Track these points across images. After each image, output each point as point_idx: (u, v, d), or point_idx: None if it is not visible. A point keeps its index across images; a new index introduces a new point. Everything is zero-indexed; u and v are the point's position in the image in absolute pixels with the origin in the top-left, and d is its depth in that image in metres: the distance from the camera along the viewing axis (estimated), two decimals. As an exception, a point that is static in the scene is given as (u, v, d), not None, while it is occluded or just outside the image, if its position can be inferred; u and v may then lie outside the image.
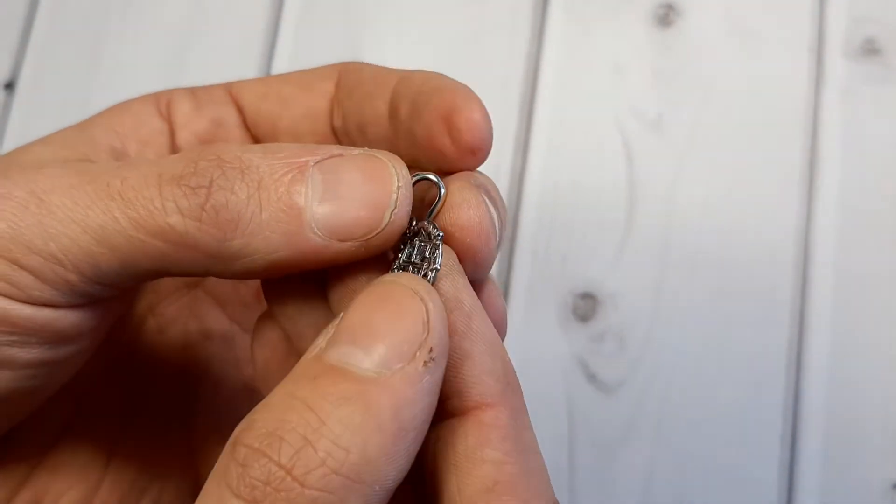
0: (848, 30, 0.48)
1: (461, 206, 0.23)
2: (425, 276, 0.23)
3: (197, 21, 0.52)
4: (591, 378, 0.44)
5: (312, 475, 0.18)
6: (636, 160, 0.47)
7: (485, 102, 0.51)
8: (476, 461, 0.21)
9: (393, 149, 0.25)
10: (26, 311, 0.22)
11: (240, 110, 0.29)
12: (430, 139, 0.25)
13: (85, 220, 0.22)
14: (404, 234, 0.23)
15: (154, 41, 0.52)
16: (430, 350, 0.20)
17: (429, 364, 0.20)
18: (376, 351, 0.20)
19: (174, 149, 0.29)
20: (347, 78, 0.28)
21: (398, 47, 0.50)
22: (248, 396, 0.31)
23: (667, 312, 0.44)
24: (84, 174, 0.22)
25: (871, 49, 0.47)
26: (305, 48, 0.51)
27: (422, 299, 0.20)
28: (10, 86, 0.52)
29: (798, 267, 0.45)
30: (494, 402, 0.22)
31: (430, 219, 0.23)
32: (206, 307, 0.31)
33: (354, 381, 0.19)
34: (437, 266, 0.23)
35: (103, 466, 0.29)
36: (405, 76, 0.27)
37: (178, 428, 0.30)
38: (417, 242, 0.23)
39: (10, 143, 0.51)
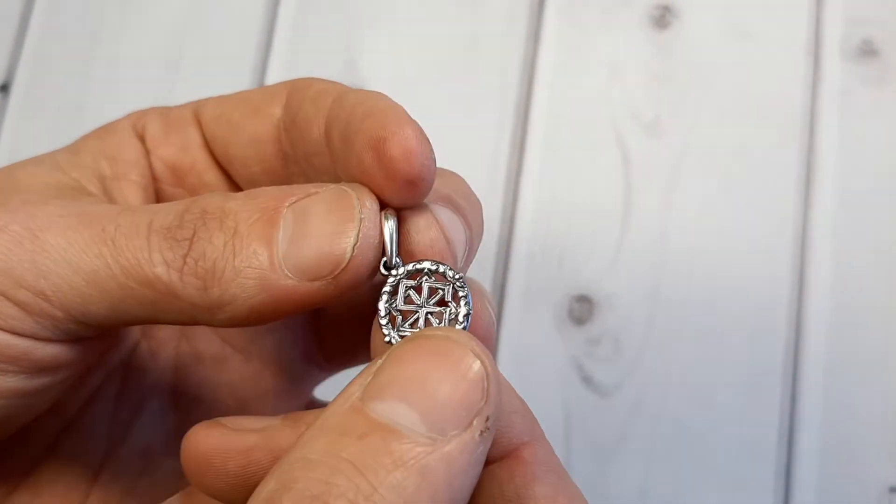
0: (845, 31, 0.48)
1: (409, 233, 0.22)
2: (452, 323, 0.22)
3: (193, 23, 0.52)
4: (587, 381, 0.44)
5: None
6: (632, 162, 0.47)
7: (481, 104, 0.50)
8: (529, 499, 0.21)
9: (336, 182, 0.23)
10: (6, 338, 0.22)
11: (202, 133, 0.29)
12: (362, 173, 0.22)
13: (78, 262, 0.22)
14: (393, 273, 0.22)
15: (150, 42, 0.52)
16: (487, 419, 0.19)
17: (485, 433, 0.19)
18: (432, 413, 0.18)
19: (152, 171, 0.28)
20: (293, 99, 0.26)
21: (393, 50, 0.50)
22: None
23: (663, 315, 0.44)
24: (83, 216, 0.22)
25: (868, 50, 0.47)
26: (301, 48, 0.50)
27: (482, 362, 0.19)
28: (4, 88, 0.52)
29: (795, 269, 0.44)
30: (529, 440, 0.21)
31: (391, 259, 0.22)
32: (198, 329, 0.31)
33: (408, 444, 0.18)
34: (469, 310, 0.22)
35: (88, 487, 0.28)
36: (339, 97, 0.24)
37: (168, 451, 0.30)
38: (425, 284, 0.22)
39: (5, 145, 0.51)
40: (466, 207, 0.24)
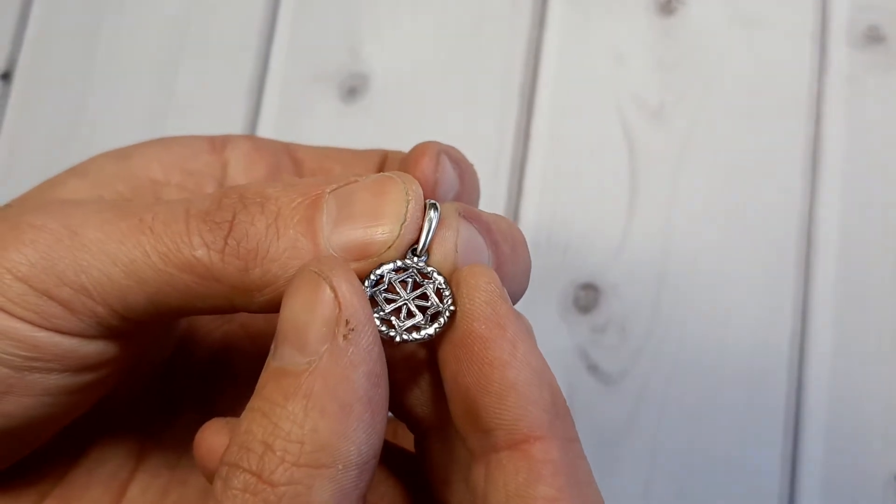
0: (851, 17, 0.47)
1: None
2: (436, 316, 0.23)
3: (195, 12, 0.51)
4: (593, 369, 0.44)
5: (276, 473, 0.20)
6: (638, 149, 0.46)
7: (485, 91, 0.50)
8: (528, 499, 0.20)
9: None
10: (52, 337, 0.23)
11: (296, 163, 0.30)
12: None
13: (116, 253, 0.22)
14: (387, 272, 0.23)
15: (152, 30, 0.51)
16: (347, 323, 0.21)
17: (349, 336, 0.20)
18: (300, 341, 0.21)
19: (222, 186, 0.29)
20: (390, 155, 0.30)
21: (396, 36, 0.50)
22: None
23: (669, 303, 0.44)
24: (119, 210, 0.23)
25: (874, 37, 0.47)
26: (304, 36, 0.50)
27: (325, 277, 0.21)
28: (6, 76, 0.51)
29: (801, 256, 0.44)
30: (543, 435, 0.21)
31: (422, 249, 0.23)
32: (238, 343, 0.31)
33: (292, 377, 0.20)
34: (450, 310, 0.22)
35: (117, 499, 0.28)
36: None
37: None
38: (409, 279, 0.23)
39: (7, 133, 0.50)
40: (503, 247, 0.24)
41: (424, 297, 0.23)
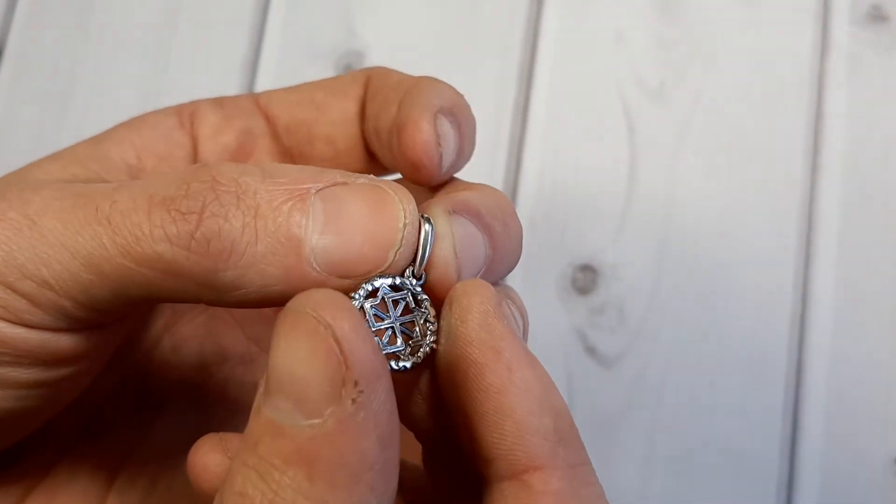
0: (854, -4, 0.47)
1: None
2: (416, 349, 0.21)
3: (188, -14, 0.51)
4: (591, 351, 0.44)
5: None
6: (638, 129, 0.46)
7: (483, 69, 0.50)
8: None
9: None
10: (20, 332, 0.21)
11: (269, 120, 0.29)
12: (391, 152, 0.26)
13: (74, 245, 0.21)
14: (356, 297, 0.21)
15: (145, 5, 0.51)
16: (356, 384, 0.18)
17: (357, 400, 0.18)
18: (299, 398, 0.18)
19: (195, 162, 0.28)
20: (374, 83, 0.28)
21: (394, 12, 0.49)
22: None
23: (668, 285, 0.44)
24: (78, 196, 0.21)
25: (877, 16, 0.47)
26: (299, 8, 0.50)
27: (326, 326, 0.18)
28: (-4, 52, 0.51)
29: (801, 237, 0.44)
30: (543, 464, 0.19)
31: (419, 269, 0.21)
32: (224, 327, 0.30)
33: (291, 440, 0.18)
34: (433, 318, 0.21)
35: (105, 490, 0.28)
36: (414, 84, 0.26)
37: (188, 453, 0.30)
38: (388, 298, 0.21)
39: (0, 110, 0.50)
40: (496, 227, 0.23)
41: (412, 324, 0.21)
